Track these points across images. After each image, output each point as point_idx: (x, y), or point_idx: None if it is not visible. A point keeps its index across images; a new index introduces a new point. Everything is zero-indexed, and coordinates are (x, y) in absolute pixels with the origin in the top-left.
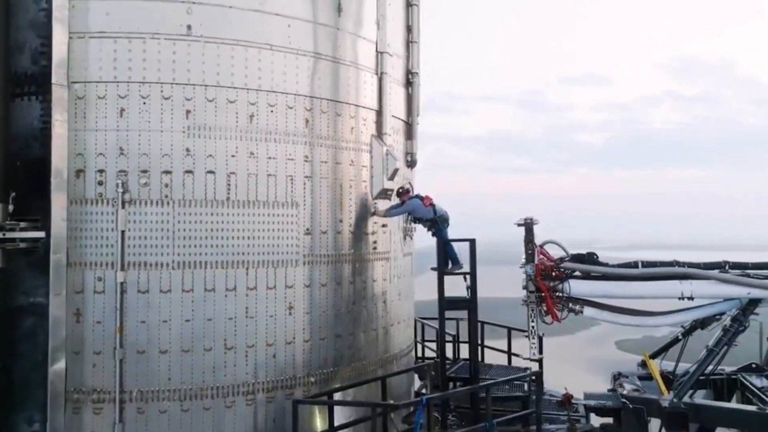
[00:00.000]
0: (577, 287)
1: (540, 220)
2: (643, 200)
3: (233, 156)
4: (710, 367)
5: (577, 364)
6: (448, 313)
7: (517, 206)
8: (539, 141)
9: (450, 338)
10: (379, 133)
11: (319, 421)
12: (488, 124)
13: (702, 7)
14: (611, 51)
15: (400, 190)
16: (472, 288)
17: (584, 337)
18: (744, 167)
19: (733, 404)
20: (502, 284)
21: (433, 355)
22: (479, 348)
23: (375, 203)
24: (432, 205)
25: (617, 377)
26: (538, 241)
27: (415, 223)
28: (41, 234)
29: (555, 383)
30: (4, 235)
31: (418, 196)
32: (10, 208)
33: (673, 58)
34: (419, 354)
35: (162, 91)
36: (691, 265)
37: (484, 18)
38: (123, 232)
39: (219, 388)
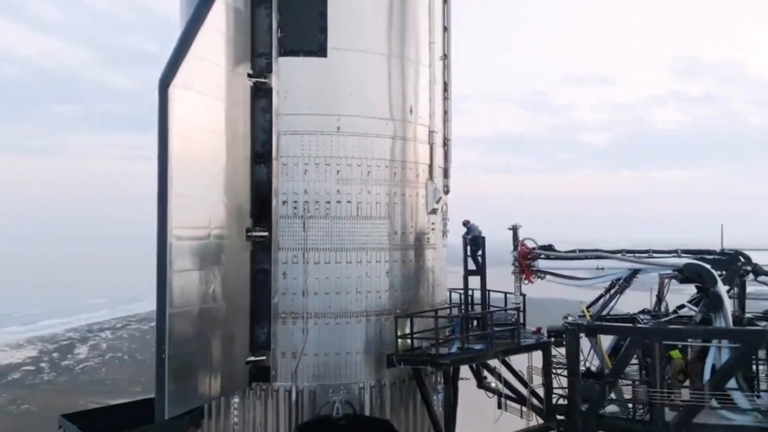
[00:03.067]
0: (542, 264)
1: (543, 221)
2: (647, 200)
3: (359, 193)
4: (608, 307)
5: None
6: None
7: (520, 207)
8: (542, 141)
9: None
10: (430, 177)
11: (398, 332)
12: (491, 125)
13: (705, 7)
14: (615, 51)
15: (465, 221)
16: (483, 263)
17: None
18: (748, 167)
19: (619, 324)
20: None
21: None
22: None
23: (428, 217)
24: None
25: (565, 317)
26: (521, 237)
27: (467, 235)
28: (266, 233)
29: None
30: (252, 234)
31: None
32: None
33: (677, 58)
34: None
35: (326, 161)
36: (605, 250)
37: (488, 18)
38: (306, 232)
39: (353, 312)
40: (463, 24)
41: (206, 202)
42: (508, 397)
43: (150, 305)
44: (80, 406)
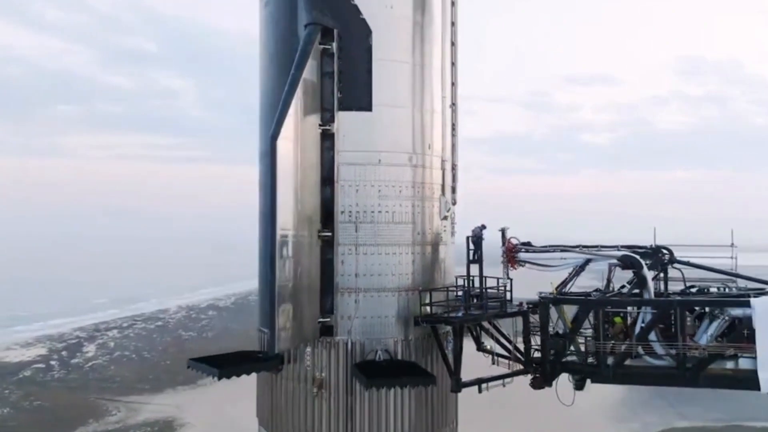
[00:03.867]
0: (523, 256)
1: (546, 221)
2: (650, 201)
3: (393, 206)
4: (569, 286)
5: None
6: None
7: (524, 207)
8: (545, 142)
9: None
10: (443, 193)
11: (421, 303)
12: (493, 125)
13: (710, 6)
14: (618, 51)
15: (484, 225)
16: (480, 254)
17: None
18: (752, 168)
19: (575, 297)
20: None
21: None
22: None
23: (441, 222)
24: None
25: (540, 293)
26: (508, 236)
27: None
28: (330, 234)
29: None
30: (321, 234)
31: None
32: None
33: (680, 58)
34: None
35: (371, 183)
36: (567, 246)
37: (491, 19)
38: (357, 233)
39: (389, 288)
40: (468, 25)
41: (293, 212)
42: (498, 354)
43: (154, 305)
44: (91, 402)
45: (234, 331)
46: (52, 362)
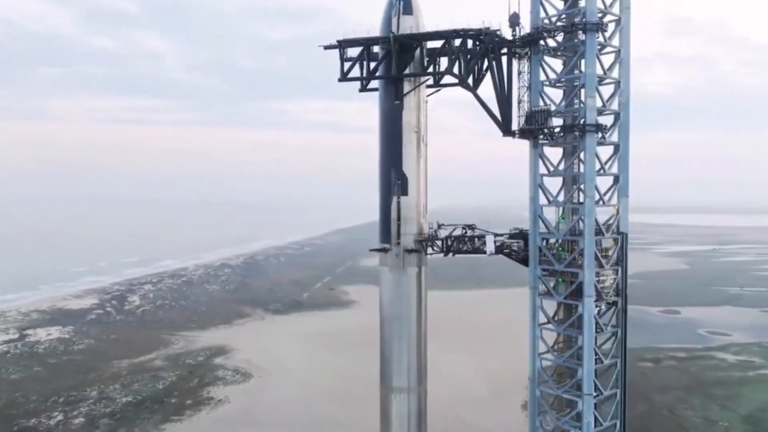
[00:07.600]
0: (443, 227)
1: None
2: (638, 164)
3: (413, 217)
4: (453, 233)
5: None
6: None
7: (509, 171)
8: None
9: None
10: (424, 211)
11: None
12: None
13: None
14: None
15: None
16: (435, 229)
17: None
18: (740, 128)
19: (453, 236)
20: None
21: None
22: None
23: (423, 219)
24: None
25: (446, 236)
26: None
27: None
28: (399, 223)
29: None
30: (397, 222)
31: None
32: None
33: (667, 20)
34: None
35: (408, 212)
36: (458, 224)
37: None
38: (404, 223)
39: (411, 234)
40: None
41: (393, 216)
42: (436, 252)
43: (174, 264)
44: (155, 335)
45: (250, 285)
46: (108, 309)
